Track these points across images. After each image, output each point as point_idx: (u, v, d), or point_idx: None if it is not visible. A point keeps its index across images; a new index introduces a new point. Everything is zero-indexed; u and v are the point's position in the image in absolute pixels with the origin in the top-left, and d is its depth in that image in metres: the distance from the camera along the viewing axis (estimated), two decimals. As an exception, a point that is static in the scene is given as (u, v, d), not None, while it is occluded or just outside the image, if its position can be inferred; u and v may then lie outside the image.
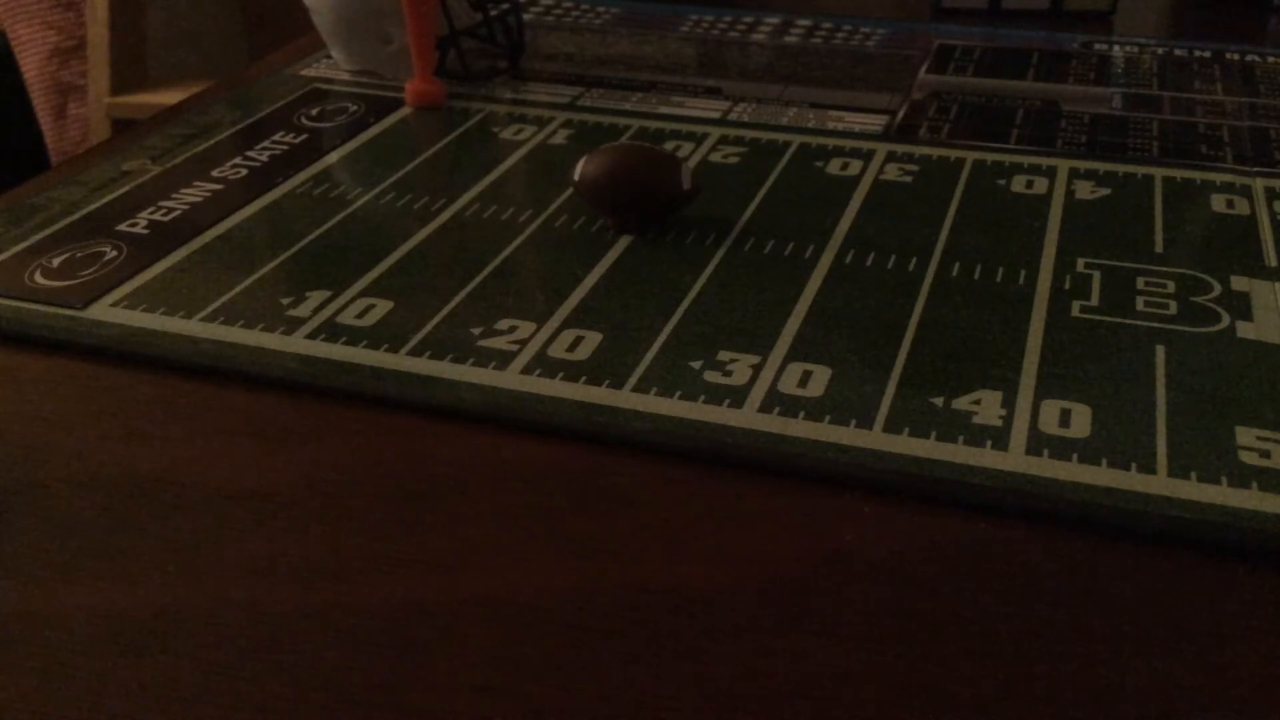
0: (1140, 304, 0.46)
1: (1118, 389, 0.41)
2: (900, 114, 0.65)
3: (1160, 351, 0.43)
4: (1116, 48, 0.76)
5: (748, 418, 0.40)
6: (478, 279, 0.48)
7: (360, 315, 0.46)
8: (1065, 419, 0.40)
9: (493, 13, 0.71)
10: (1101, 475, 0.37)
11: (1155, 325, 0.45)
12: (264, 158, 0.60)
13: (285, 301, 0.47)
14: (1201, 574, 0.34)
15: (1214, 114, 0.65)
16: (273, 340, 0.44)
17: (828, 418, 0.40)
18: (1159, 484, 0.37)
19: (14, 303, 0.47)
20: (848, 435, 0.39)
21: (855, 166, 0.58)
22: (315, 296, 0.47)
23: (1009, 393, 0.41)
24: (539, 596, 0.34)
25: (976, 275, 0.48)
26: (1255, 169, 0.58)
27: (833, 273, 0.49)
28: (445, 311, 0.46)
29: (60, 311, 0.46)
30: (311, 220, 0.54)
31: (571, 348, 0.44)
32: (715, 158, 0.59)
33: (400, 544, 0.36)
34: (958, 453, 0.38)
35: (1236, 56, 0.75)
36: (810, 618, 0.33)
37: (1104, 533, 0.36)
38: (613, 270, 0.49)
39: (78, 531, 0.36)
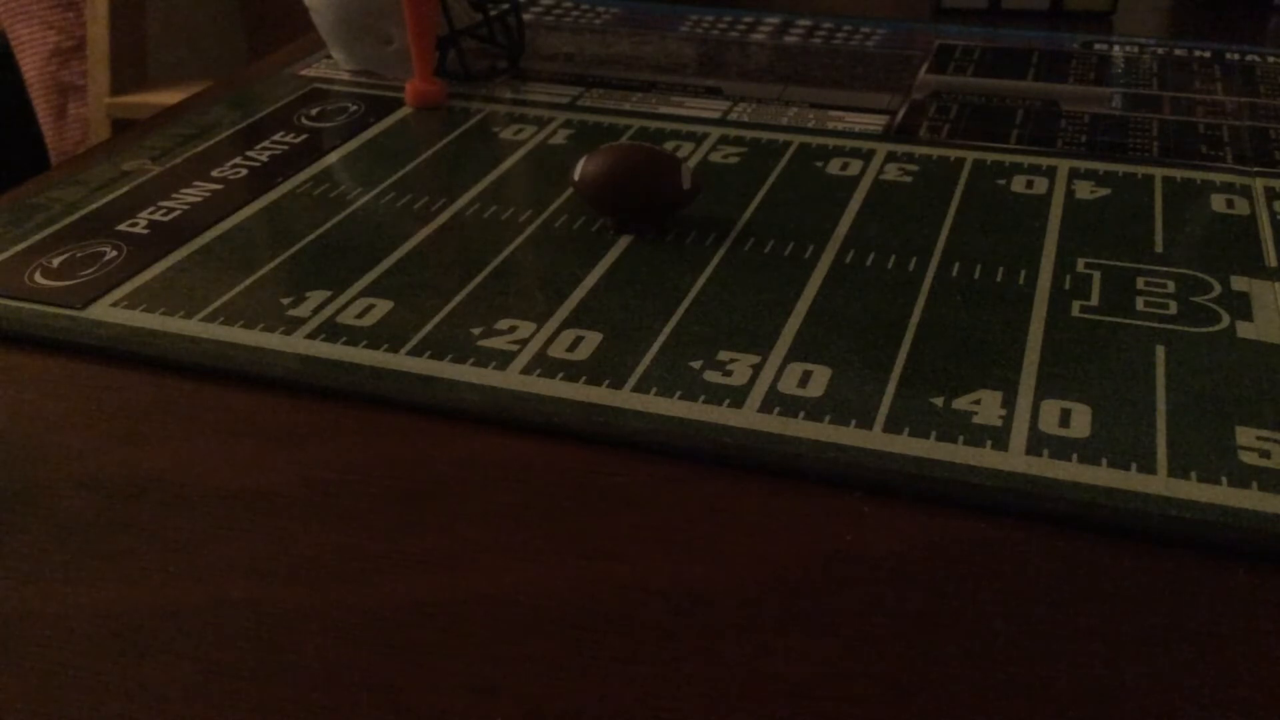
0: (1140, 304, 0.46)
1: (1118, 389, 0.41)
2: (900, 114, 0.65)
3: (1160, 351, 0.43)
4: (1116, 48, 0.76)
5: (748, 418, 0.40)
6: (478, 279, 0.48)
7: (360, 315, 0.46)
8: (1065, 419, 0.40)
9: (493, 13, 0.71)
10: (1101, 475, 0.37)
11: (1155, 325, 0.45)
12: (264, 158, 0.60)
13: (285, 301, 0.47)
14: (1201, 574, 0.34)
15: (1214, 114, 0.65)
16: (273, 340, 0.44)
17: (828, 418, 0.40)
18: (1159, 484, 0.37)
19: (14, 303, 0.47)
20: (848, 435, 0.39)
21: (855, 166, 0.58)
22: (315, 296, 0.47)
23: (1009, 393, 0.41)
24: (539, 596, 0.34)
25: (976, 275, 0.48)
26: (1255, 169, 0.58)
27: (833, 273, 0.49)
28: (445, 311, 0.46)
29: (60, 311, 0.46)
30: (311, 220, 0.54)
31: (571, 348, 0.44)
32: (715, 158, 0.59)
33: (400, 544, 0.36)
34: (958, 453, 0.38)
35: (1236, 56, 0.75)
36: (810, 618, 0.33)
37: (1104, 533, 0.36)
38: (613, 270, 0.49)
39: (78, 531, 0.36)
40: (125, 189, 0.57)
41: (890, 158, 0.59)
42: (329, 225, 0.53)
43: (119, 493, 0.38)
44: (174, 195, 0.56)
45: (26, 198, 0.56)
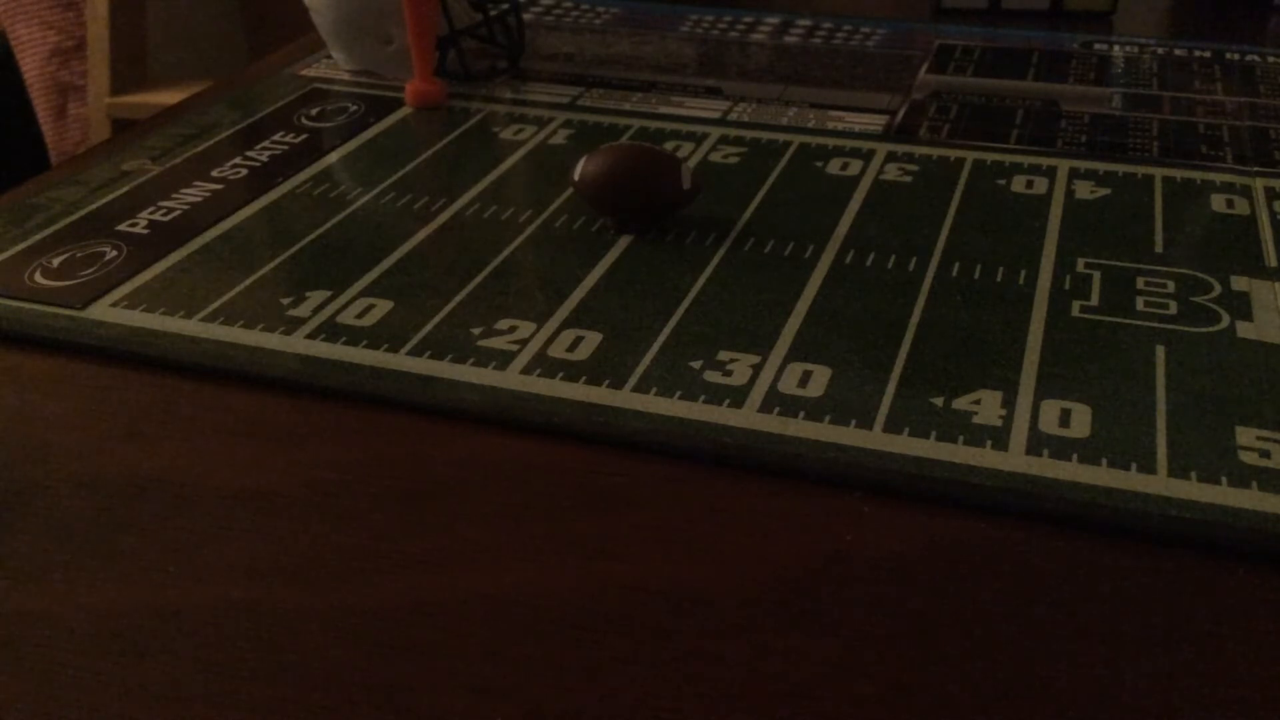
0: (1140, 304, 0.46)
1: (1118, 389, 0.41)
2: (900, 114, 0.65)
3: (1160, 351, 0.43)
4: (1116, 48, 0.76)
5: (748, 418, 0.40)
6: (478, 279, 0.48)
7: (360, 315, 0.46)
8: (1065, 419, 0.40)
9: (493, 13, 0.71)
10: (1101, 475, 0.37)
11: (1155, 325, 0.45)
12: (264, 158, 0.60)
13: (285, 301, 0.47)
14: (1201, 574, 0.34)
15: (1214, 114, 0.65)
16: (273, 340, 0.44)
17: (828, 418, 0.40)
18: (1159, 484, 0.37)
19: (14, 303, 0.47)
20: (848, 435, 0.39)
21: (855, 166, 0.58)
22: (315, 296, 0.47)
23: (1009, 393, 0.41)
24: (539, 596, 0.34)
25: (976, 275, 0.48)
26: (1255, 169, 0.58)
27: (833, 273, 0.49)
28: (445, 311, 0.46)
29: (60, 311, 0.46)
30: (311, 220, 0.54)
31: (571, 348, 0.44)
32: (715, 158, 0.59)
33: (400, 544, 0.36)
34: (958, 453, 0.38)
35: (1236, 56, 0.75)
36: (810, 618, 0.33)
37: (1104, 533, 0.36)
38: (613, 270, 0.49)
39: (78, 531, 0.36)
40: (125, 189, 0.57)
41: (890, 158, 0.59)
42: (329, 225, 0.53)
43: (119, 493, 0.38)
44: (174, 195, 0.56)
45: (26, 198, 0.56)
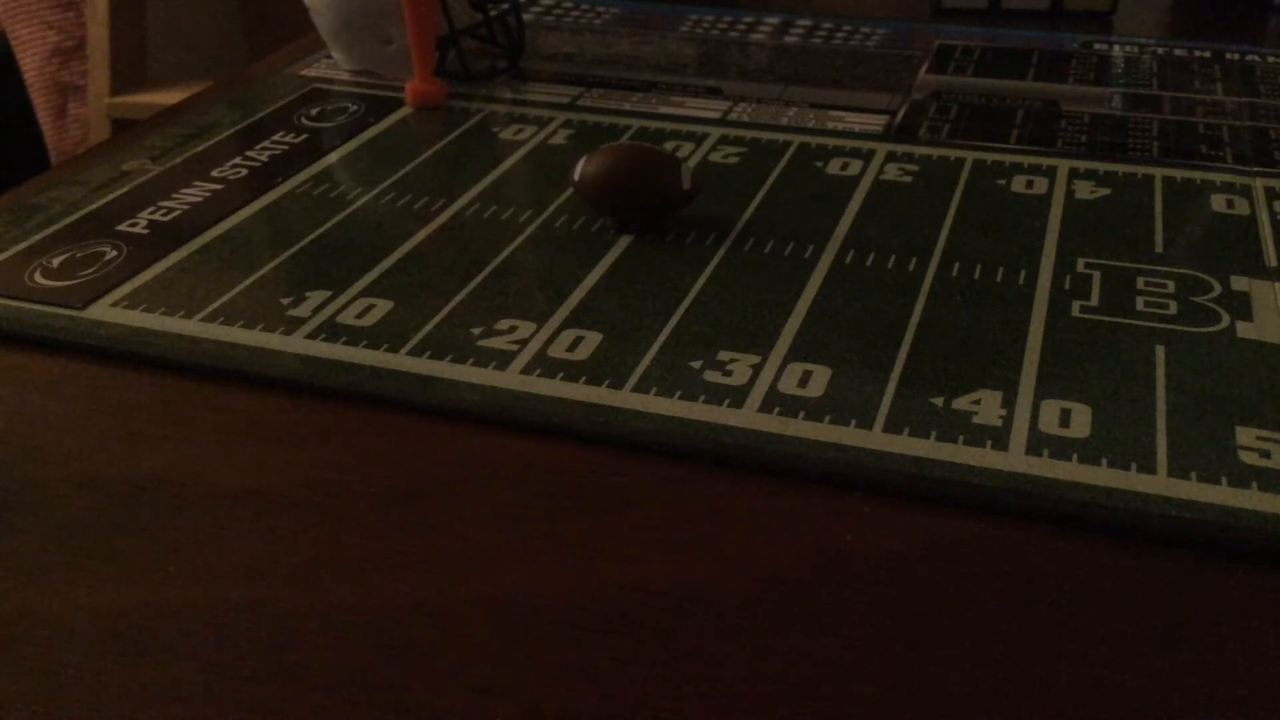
0: (1140, 304, 0.46)
1: (1118, 389, 0.41)
2: (900, 114, 0.65)
3: (1160, 351, 0.43)
4: (1116, 48, 0.76)
5: (748, 418, 0.40)
6: (478, 279, 0.48)
7: (360, 315, 0.46)
8: (1065, 419, 0.40)
9: (493, 13, 0.71)
10: (1101, 475, 0.37)
11: (1155, 325, 0.45)
12: (264, 158, 0.60)
13: (285, 301, 0.47)
14: (1201, 574, 0.34)
15: (1214, 114, 0.65)
16: (273, 340, 0.44)
17: (828, 418, 0.40)
18: (1159, 484, 0.37)
19: (14, 303, 0.47)
20: (848, 435, 0.39)
21: (855, 166, 0.58)
22: (315, 296, 0.47)
23: (1009, 393, 0.41)
24: (539, 596, 0.34)
25: (976, 275, 0.48)
26: (1255, 169, 0.58)
27: (833, 273, 0.49)
28: (445, 311, 0.46)
29: (60, 311, 0.46)
30: (311, 220, 0.54)
31: (571, 348, 0.44)
32: (715, 158, 0.59)
33: (400, 544, 0.36)
34: (958, 453, 0.38)
35: (1236, 56, 0.75)
36: (810, 618, 0.33)
37: (1104, 533, 0.36)
38: (613, 270, 0.49)
39: (78, 531, 0.36)
40: (125, 189, 0.57)
41: (890, 158, 0.59)
42: (329, 225, 0.53)
43: (119, 493, 0.38)
44: (174, 195, 0.56)
45: (26, 198, 0.56)
